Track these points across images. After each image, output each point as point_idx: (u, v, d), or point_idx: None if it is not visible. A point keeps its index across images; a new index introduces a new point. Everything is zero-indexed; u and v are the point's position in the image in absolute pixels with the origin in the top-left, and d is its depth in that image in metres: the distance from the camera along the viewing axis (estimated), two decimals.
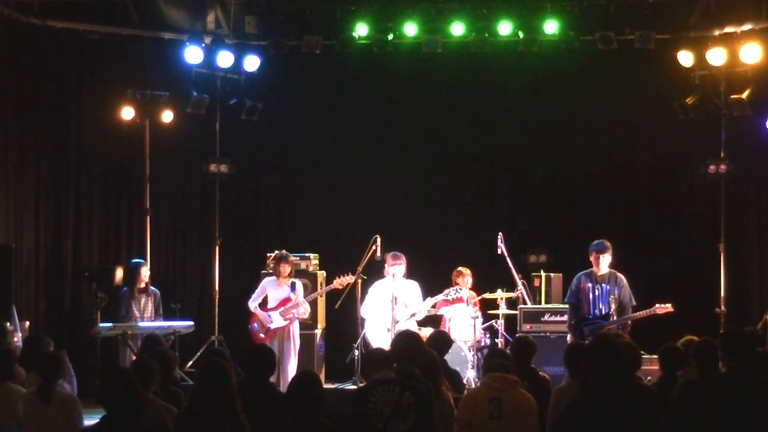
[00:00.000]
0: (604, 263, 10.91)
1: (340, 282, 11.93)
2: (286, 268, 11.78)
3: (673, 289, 13.31)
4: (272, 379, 11.31)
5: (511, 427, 6.27)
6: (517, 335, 9.15)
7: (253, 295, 11.87)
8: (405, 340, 6.79)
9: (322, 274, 12.72)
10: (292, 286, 11.79)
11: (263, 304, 11.83)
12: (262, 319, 11.74)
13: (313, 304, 12.61)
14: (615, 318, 10.80)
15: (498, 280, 12.22)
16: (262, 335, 11.70)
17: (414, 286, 11.91)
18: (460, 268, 12.28)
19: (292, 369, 11.48)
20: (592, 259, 11.04)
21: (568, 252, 13.01)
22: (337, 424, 5.62)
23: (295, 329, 11.81)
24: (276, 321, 11.71)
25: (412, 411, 6.02)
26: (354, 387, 11.31)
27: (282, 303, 11.74)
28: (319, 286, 12.61)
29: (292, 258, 11.95)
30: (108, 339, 11.65)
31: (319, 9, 13.40)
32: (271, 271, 11.99)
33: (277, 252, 11.96)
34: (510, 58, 13.54)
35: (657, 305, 10.74)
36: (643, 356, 7.82)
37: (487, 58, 13.64)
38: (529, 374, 7.42)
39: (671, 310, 10.73)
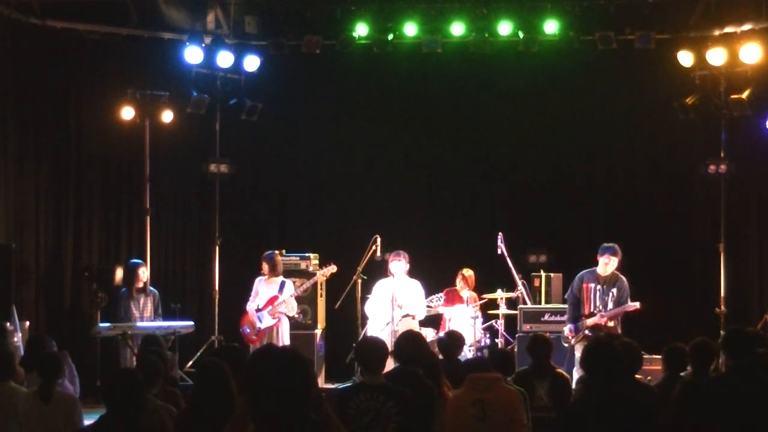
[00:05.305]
0: (609, 266, 10.84)
1: (323, 273, 12.01)
2: (265, 266, 11.80)
3: (673, 288, 13.37)
4: None
5: (497, 426, 6.24)
6: (533, 334, 8.88)
7: (250, 297, 11.92)
8: (408, 341, 6.77)
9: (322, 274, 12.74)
10: (281, 285, 11.80)
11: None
12: (252, 321, 11.76)
13: (313, 304, 12.62)
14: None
15: (498, 280, 12.22)
16: (254, 337, 11.73)
17: (415, 286, 11.88)
18: (463, 270, 12.27)
19: None
20: (599, 259, 10.97)
21: (568, 252, 13.02)
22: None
23: (284, 328, 11.81)
24: (265, 321, 11.74)
25: (393, 422, 5.84)
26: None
27: (270, 302, 11.77)
28: (319, 287, 12.62)
29: (279, 257, 11.96)
30: (108, 339, 11.66)
31: (319, 9, 13.41)
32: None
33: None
34: (510, 58, 13.53)
35: (628, 303, 10.71)
36: (644, 356, 7.79)
37: (487, 58, 13.63)
38: (549, 372, 7.40)
39: (638, 307, 10.67)
